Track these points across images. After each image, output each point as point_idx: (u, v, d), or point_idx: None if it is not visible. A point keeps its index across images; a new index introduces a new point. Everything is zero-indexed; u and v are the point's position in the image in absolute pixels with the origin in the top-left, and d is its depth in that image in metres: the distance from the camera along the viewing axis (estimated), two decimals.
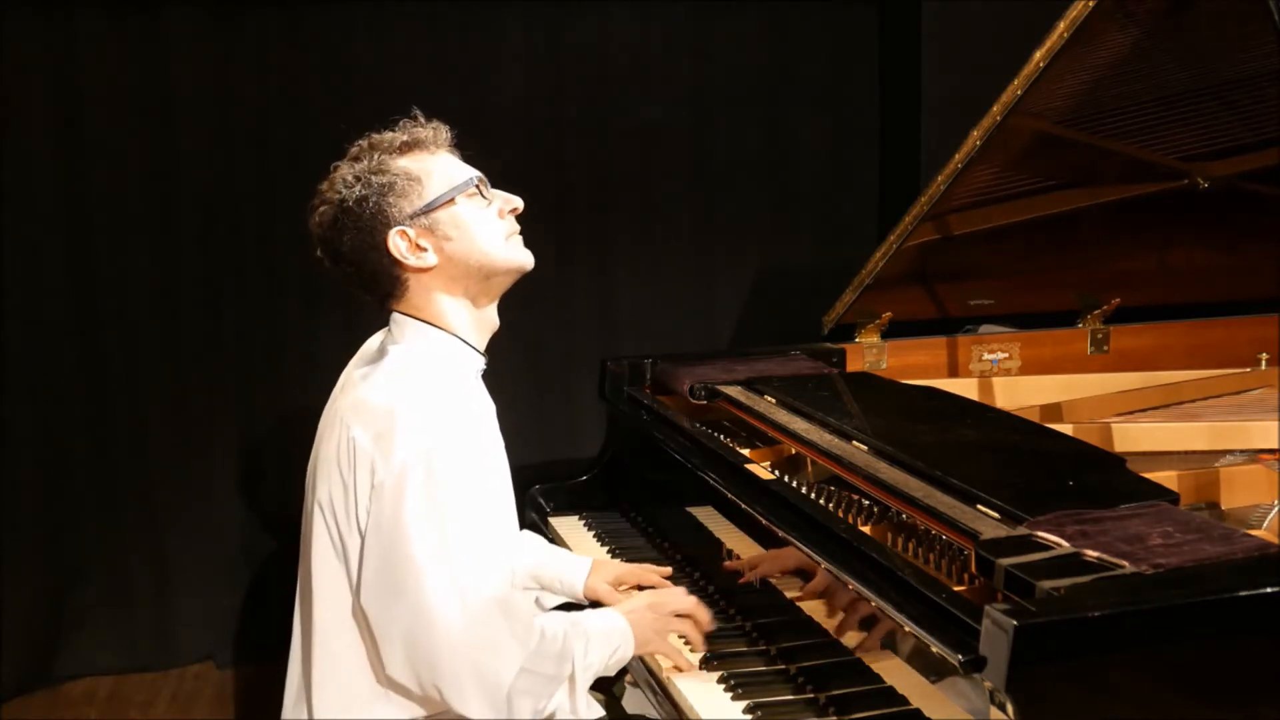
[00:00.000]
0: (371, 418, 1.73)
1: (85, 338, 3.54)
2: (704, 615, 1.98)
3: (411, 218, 1.80)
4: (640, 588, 2.20)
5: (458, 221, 1.83)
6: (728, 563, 2.19)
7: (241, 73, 3.52)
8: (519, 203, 1.91)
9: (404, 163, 1.83)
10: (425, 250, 1.81)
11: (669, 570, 2.26)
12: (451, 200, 1.82)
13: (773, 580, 2.05)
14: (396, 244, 1.80)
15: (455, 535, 1.70)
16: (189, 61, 3.48)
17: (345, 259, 1.82)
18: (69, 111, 3.44)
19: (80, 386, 3.55)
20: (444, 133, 1.89)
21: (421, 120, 1.88)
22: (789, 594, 2.00)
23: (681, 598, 2.00)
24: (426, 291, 1.84)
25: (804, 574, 1.97)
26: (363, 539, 1.73)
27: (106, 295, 3.53)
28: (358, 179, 1.80)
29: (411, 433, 1.70)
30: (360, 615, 1.75)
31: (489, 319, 1.92)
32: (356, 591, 1.74)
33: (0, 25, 3.33)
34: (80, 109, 3.44)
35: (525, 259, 1.90)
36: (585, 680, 1.81)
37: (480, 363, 1.91)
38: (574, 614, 1.90)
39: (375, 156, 1.82)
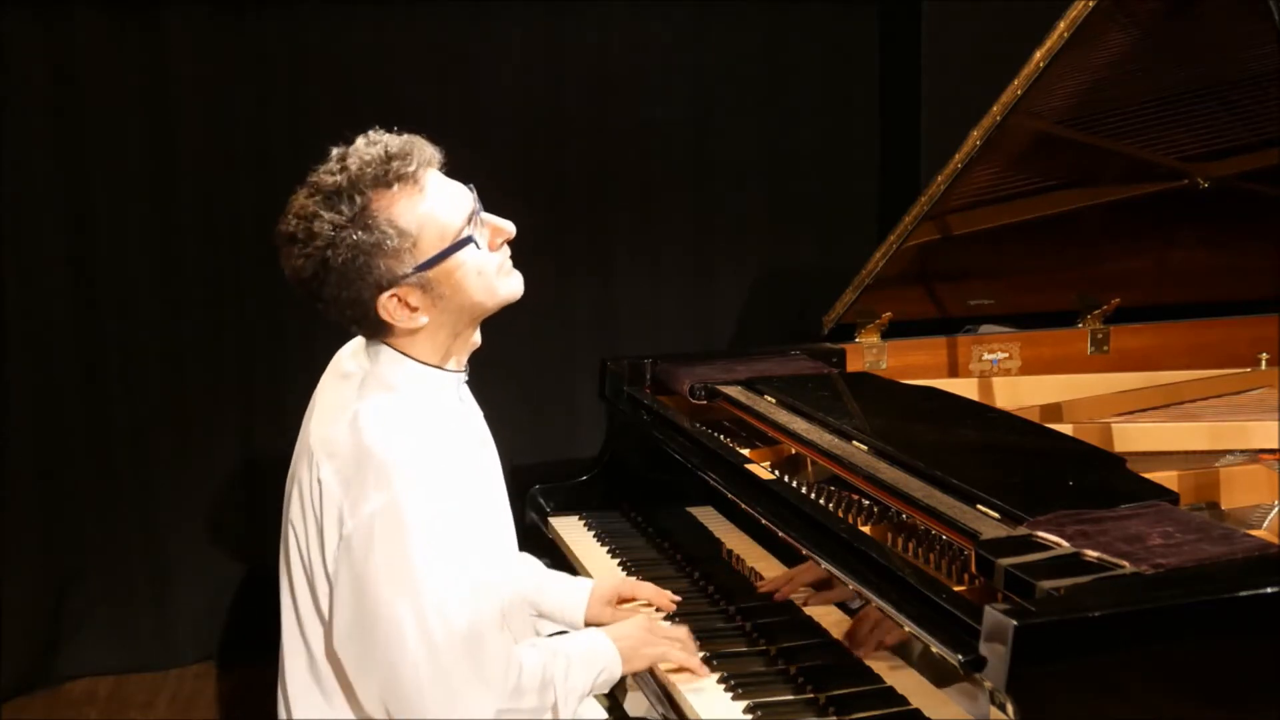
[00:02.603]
0: (342, 460, 1.67)
1: (85, 338, 3.54)
2: (692, 647, 1.94)
3: (403, 278, 1.68)
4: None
5: (452, 278, 1.71)
6: (760, 585, 2.08)
7: (241, 73, 3.52)
8: (511, 232, 1.79)
9: (393, 212, 1.66)
10: (416, 310, 1.71)
11: (672, 599, 2.16)
12: (445, 259, 1.70)
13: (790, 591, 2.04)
14: (386, 306, 1.69)
15: (424, 587, 1.64)
16: (189, 61, 3.48)
17: (325, 302, 1.71)
18: (69, 110, 3.43)
19: (80, 386, 3.55)
20: (428, 152, 1.72)
21: (405, 142, 1.71)
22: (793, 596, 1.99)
23: (673, 630, 1.96)
24: (412, 336, 1.75)
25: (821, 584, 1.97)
26: (331, 585, 1.69)
27: (106, 295, 3.53)
28: (340, 234, 1.64)
29: (381, 482, 1.63)
30: (331, 652, 1.73)
31: (472, 343, 1.84)
32: (330, 632, 1.71)
33: (0, 24, 3.33)
34: (80, 108, 3.44)
35: (516, 291, 1.80)
36: (569, 705, 1.77)
37: (461, 379, 1.85)
38: (554, 640, 1.88)
39: (357, 201, 1.65)
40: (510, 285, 1.80)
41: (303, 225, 1.67)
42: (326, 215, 1.65)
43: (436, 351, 1.78)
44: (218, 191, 3.56)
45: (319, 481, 1.69)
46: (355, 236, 1.64)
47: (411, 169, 1.68)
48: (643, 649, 1.90)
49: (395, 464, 1.64)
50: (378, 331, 1.76)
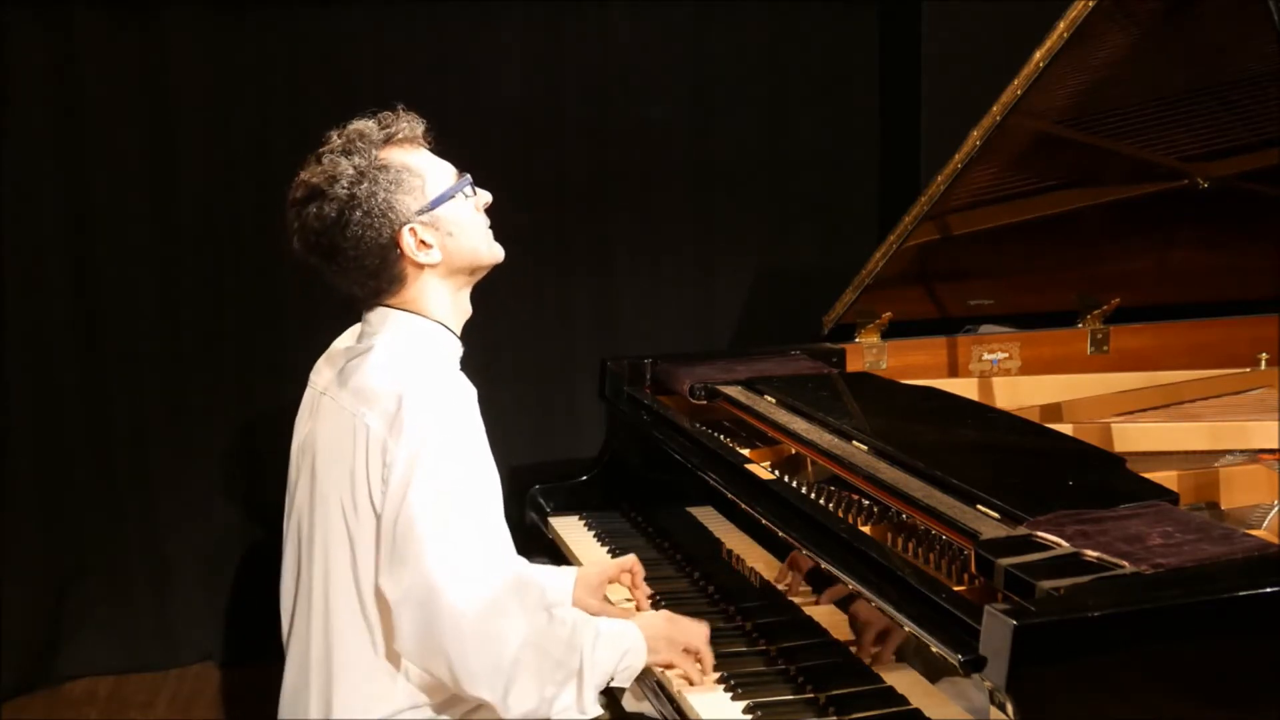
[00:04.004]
0: (380, 402, 1.76)
1: (85, 338, 3.54)
2: (709, 658, 1.93)
3: (418, 214, 1.82)
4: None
5: (455, 218, 1.86)
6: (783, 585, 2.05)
7: (241, 73, 3.52)
8: (488, 199, 1.95)
9: (399, 157, 1.83)
10: (430, 247, 1.84)
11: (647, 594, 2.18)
12: (452, 196, 1.86)
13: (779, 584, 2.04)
14: (407, 241, 1.81)
15: (464, 513, 1.72)
16: (189, 61, 3.48)
17: (345, 254, 1.80)
18: (69, 111, 3.43)
19: (80, 387, 3.55)
20: (421, 127, 1.89)
21: (400, 112, 1.87)
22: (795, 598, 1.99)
23: (695, 633, 1.93)
24: (421, 285, 1.87)
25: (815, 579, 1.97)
26: (378, 521, 1.75)
27: (107, 295, 3.53)
28: (361, 174, 1.78)
29: (420, 413, 1.73)
30: (371, 599, 1.77)
31: (466, 307, 1.95)
32: (374, 573, 1.75)
33: (0, 25, 3.33)
34: (80, 109, 3.44)
35: (501, 253, 1.95)
36: (593, 680, 1.77)
37: (460, 349, 1.94)
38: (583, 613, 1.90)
39: (371, 151, 1.81)
40: (496, 246, 1.94)
41: (324, 175, 1.79)
42: (345, 161, 1.80)
43: (439, 309, 1.89)
44: (218, 191, 3.55)
45: (364, 428, 1.76)
46: (376, 174, 1.79)
47: (405, 127, 1.86)
48: (663, 643, 1.89)
49: (432, 397, 1.76)
50: (388, 286, 1.85)
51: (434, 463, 1.72)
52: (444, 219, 1.84)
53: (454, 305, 1.92)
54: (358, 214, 1.78)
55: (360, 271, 1.83)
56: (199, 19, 3.46)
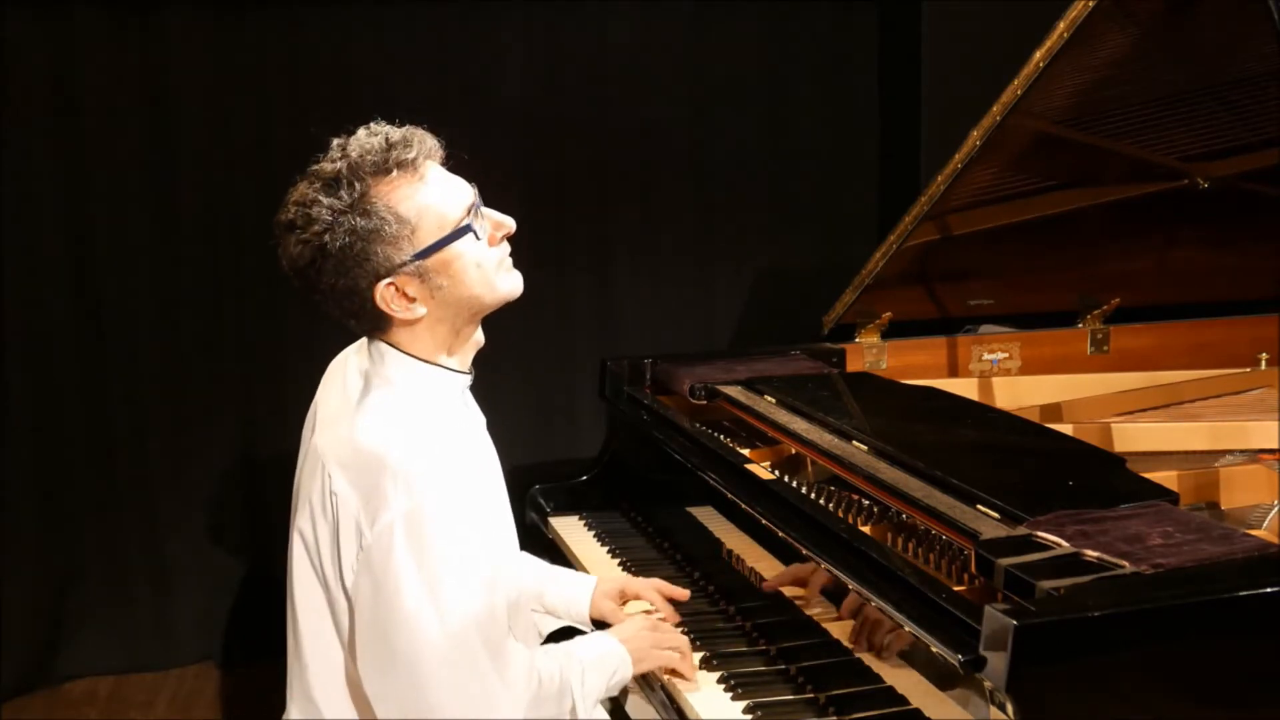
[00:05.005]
0: (356, 471, 1.65)
1: (85, 338, 3.54)
2: (690, 662, 1.95)
3: (400, 266, 1.66)
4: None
5: (450, 269, 1.69)
6: (765, 585, 2.06)
7: (241, 73, 3.52)
8: (511, 226, 1.77)
9: (392, 199, 1.65)
10: (414, 301, 1.69)
11: (684, 593, 2.18)
12: (444, 247, 1.68)
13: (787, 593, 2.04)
14: (384, 296, 1.67)
15: (445, 592, 1.61)
16: (189, 61, 3.48)
17: (323, 294, 1.69)
18: (69, 111, 3.44)
19: (80, 386, 3.55)
20: (429, 143, 1.71)
21: (407, 131, 1.69)
22: (804, 607, 1.99)
23: (676, 635, 1.98)
24: (411, 331, 1.73)
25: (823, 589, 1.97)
26: (350, 602, 1.66)
27: (106, 296, 3.54)
28: (336, 220, 1.62)
29: (397, 489, 1.61)
30: (349, 654, 1.70)
31: (475, 341, 1.81)
32: (350, 652, 1.69)
33: (0, 25, 3.33)
34: (80, 109, 3.44)
35: (515, 289, 1.78)
36: (586, 708, 1.79)
37: (467, 381, 1.82)
38: (567, 644, 1.88)
39: (357, 188, 1.63)
40: (509, 282, 1.78)
41: (301, 212, 1.65)
42: (325, 200, 1.64)
43: (438, 348, 1.76)
44: (218, 192, 3.56)
45: (334, 494, 1.66)
46: (353, 222, 1.63)
47: (411, 156, 1.67)
48: (651, 651, 1.92)
49: (410, 470, 1.62)
50: (376, 325, 1.73)
51: (410, 548, 1.60)
52: (435, 268, 1.67)
53: (457, 345, 1.77)
54: (330, 263, 1.64)
55: (340, 311, 1.71)
56: (199, 19, 3.46)
